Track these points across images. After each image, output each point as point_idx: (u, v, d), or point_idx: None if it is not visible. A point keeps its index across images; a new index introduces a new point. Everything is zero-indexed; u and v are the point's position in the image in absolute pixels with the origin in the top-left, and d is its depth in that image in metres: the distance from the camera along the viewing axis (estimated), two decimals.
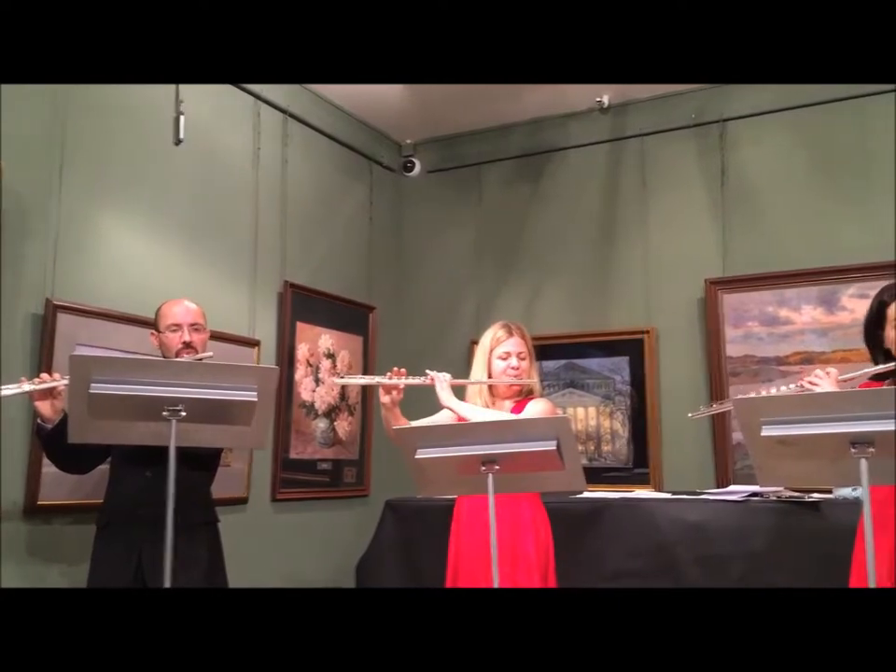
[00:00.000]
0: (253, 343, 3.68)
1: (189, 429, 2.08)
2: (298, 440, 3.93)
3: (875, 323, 2.28)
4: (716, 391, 3.89)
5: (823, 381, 2.31)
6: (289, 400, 3.88)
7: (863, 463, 1.82)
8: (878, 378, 2.31)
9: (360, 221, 4.52)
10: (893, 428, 1.81)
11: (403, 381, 2.68)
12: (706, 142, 4.12)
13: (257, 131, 3.80)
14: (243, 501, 3.57)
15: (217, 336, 3.35)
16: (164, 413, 2.02)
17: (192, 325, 2.59)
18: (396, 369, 2.71)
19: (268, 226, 3.84)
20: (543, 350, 4.33)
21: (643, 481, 4.08)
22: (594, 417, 4.29)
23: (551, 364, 4.38)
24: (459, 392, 2.82)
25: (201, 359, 2.51)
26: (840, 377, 2.31)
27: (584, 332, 4.31)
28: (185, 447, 2.11)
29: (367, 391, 4.33)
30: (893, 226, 3.68)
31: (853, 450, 1.83)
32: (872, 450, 1.82)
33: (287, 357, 3.87)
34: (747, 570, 2.84)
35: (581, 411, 4.32)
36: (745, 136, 4.05)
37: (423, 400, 2.93)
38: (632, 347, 4.20)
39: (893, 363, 2.18)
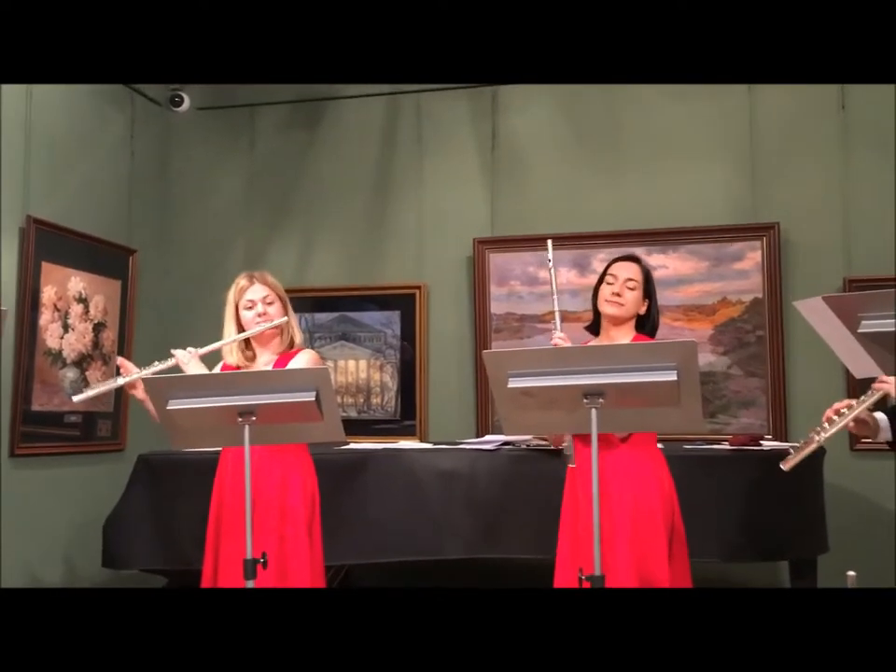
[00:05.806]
0: None
1: None
2: (42, 390, 3.61)
3: (599, 282, 2.70)
4: (480, 346, 4.08)
5: (566, 342, 2.68)
6: (32, 347, 3.54)
7: (594, 412, 2.00)
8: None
9: (120, 155, 4.18)
10: (621, 381, 2.00)
11: (146, 373, 2.53)
12: (479, 105, 4.23)
13: None
14: None
15: None
16: None
17: None
18: (120, 360, 2.65)
19: (8, 152, 3.43)
20: (316, 302, 4.32)
21: (410, 432, 4.20)
22: (364, 370, 4.33)
23: (323, 316, 4.36)
24: (217, 354, 2.71)
25: None
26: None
27: (358, 286, 4.32)
28: None
29: (124, 337, 4.07)
30: (639, 196, 4.03)
31: (585, 401, 1.99)
32: (602, 401, 2.00)
33: (29, 300, 3.52)
34: (494, 512, 3.04)
35: (352, 363, 4.35)
36: (514, 104, 4.21)
37: None
38: (404, 302, 4.28)
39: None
